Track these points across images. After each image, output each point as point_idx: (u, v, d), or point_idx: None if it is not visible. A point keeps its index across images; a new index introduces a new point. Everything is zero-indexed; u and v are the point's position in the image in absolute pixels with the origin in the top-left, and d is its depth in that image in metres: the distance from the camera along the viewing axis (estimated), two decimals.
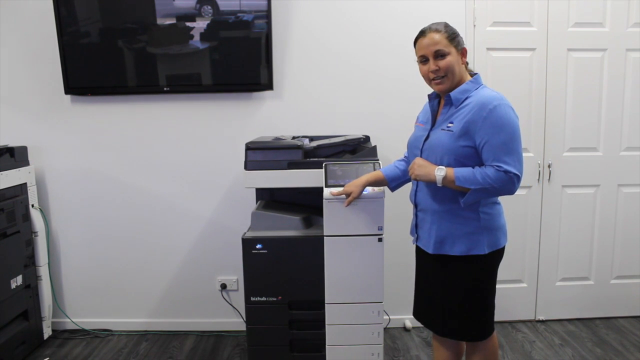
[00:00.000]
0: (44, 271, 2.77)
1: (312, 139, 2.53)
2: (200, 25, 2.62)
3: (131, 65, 2.68)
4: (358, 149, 2.42)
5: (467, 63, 1.74)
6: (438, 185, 1.66)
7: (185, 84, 2.71)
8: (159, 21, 2.61)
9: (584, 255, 2.94)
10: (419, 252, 1.86)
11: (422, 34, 1.70)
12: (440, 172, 1.64)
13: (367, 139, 2.55)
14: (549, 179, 2.85)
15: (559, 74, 2.77)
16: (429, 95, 1.81)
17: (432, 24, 1.70)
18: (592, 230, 2.92)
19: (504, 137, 1.58)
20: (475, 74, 1.74)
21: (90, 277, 2.93)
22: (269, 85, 2.70)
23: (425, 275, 1.85)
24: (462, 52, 1.69)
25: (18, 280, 2.56)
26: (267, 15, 2.61)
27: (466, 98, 1.67)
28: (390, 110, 2.78)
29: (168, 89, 2.70)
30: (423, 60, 1.70)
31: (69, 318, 2.94)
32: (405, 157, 1.99)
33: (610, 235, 2.92)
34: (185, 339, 2.86)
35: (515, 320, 2.97)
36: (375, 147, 2.31)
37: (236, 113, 2.79)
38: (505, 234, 1.76)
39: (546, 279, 2.94)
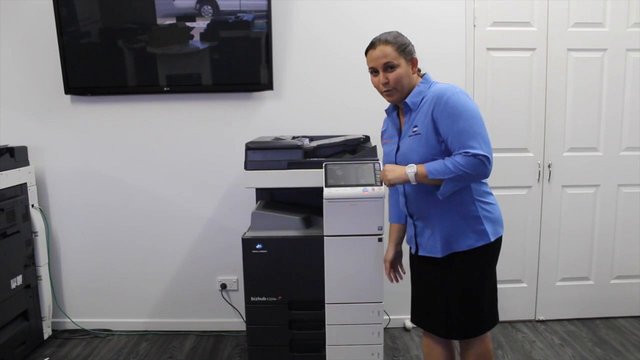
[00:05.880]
0: (44, 271, 2.77)
1: (312, 139, 2.52)
2: (200, 25, 2.61)
3: (131, 65, 2.67)
4: (358, 149, 2.41)
5: (419, 70, 1.78)
6: (412, 183, 1.67)
7: (185, 84, 2.71)
8: (159, 21, 2.61)
9: (584, 255, 2.94)
10: (419, 260, 1.84)
11: (372, 45, 1.73)
12: (411, 170, 1.66)
13: (367, 139, 2.55)
14: (549, 179, 2.85)
15: (559, 74, 2.77)
16: (386, 110, 1.85)
17: (383, 34, 1.73)
18: (592, 230, 2.92)
19: (463, 124, 1.59)
20: (424, 74, 1.77)
21: (90, 277, 2.93)
22: (269, 85, 2.70)
23: (427, 279, 1.82)
24: (413, 62, 1.73)
25: (18, 280, 2.56)
26: (267, 15, 2.61)
27: (422, 99, 1.70)
28: None
29: (168, 89, 2.70)
30: (373, 71, 1.75)
31: (69, 318, 2.94)
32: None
33: (610, 235, 2.92)
34: (185, 339, 2.86)
35: (515, 320, 2.96)
36: (375, 147, 2.30)
37: (236, 113, 2.79)
38: (502, 223, 1.77)
39: (546, 279, 2.94)
